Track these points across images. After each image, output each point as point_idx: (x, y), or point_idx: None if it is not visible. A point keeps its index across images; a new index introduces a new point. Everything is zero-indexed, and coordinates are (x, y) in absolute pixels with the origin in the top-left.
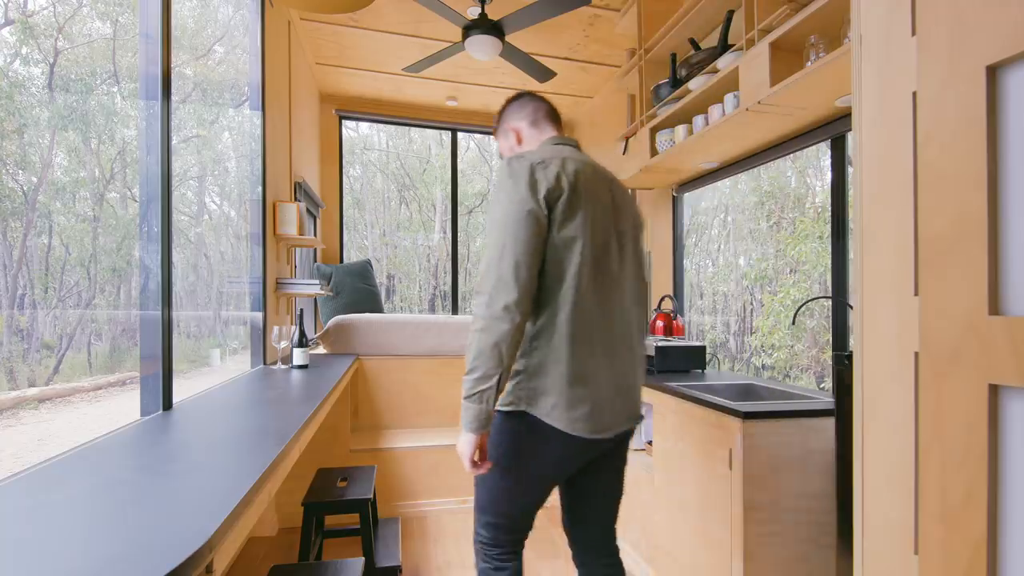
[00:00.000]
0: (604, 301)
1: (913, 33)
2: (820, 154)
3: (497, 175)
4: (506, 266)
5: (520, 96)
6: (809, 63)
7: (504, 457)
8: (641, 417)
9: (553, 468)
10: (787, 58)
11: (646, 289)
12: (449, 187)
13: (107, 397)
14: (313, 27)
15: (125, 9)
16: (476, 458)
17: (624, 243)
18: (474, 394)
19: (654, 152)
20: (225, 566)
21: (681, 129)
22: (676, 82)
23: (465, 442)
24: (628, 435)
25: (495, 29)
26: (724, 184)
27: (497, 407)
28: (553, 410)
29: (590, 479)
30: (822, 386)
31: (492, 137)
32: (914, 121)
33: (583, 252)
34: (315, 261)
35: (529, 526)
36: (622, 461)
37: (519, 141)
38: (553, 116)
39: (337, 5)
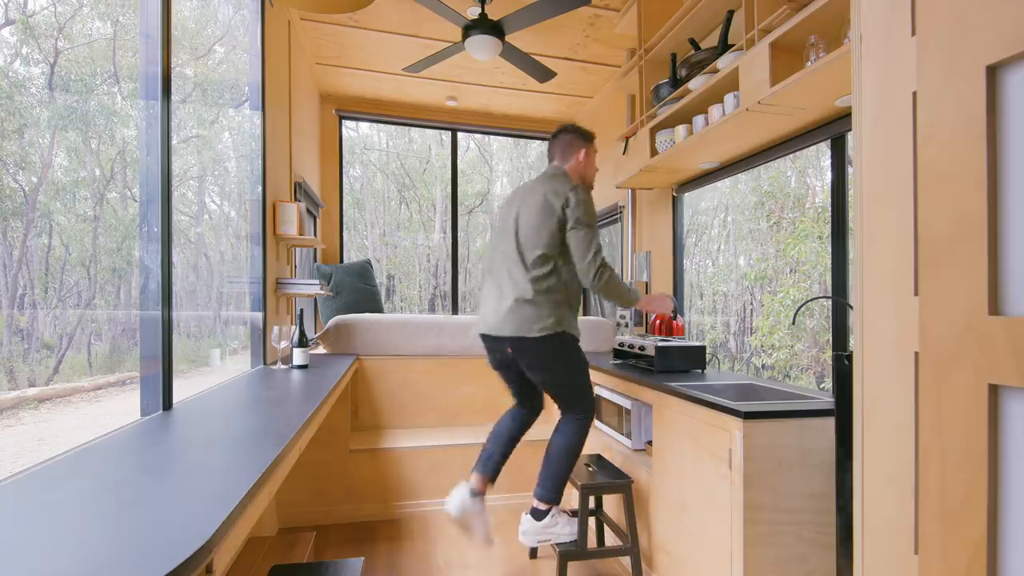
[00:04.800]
0: None
1: (913, 33)
2: (820, 154)
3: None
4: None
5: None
6: (809, 63)
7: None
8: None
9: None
10: (787, 58)
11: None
12: (449, 187)
13: (107, 397)
14: (313, 27)
15: (125, 9)
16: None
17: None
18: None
19: (654, 152)
20: (225, 566)
21: (681, 129)
22: (676, 82)
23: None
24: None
25: (495, 29)
26: (724, 184)
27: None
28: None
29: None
30: (822, 386)
31: (492, 137)
32: (914, 121)
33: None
34: (315, 261)
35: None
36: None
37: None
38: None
39: (337, 5)
